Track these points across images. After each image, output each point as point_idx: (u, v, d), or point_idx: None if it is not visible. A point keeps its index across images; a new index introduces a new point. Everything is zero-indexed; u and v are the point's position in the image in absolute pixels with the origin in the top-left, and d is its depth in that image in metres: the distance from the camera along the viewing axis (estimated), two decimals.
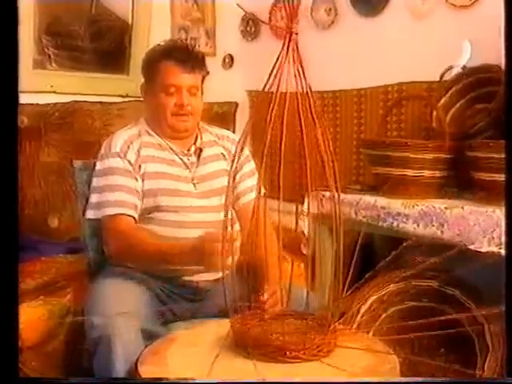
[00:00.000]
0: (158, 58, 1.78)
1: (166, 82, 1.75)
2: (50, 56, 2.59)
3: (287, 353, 1.24)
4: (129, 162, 1.74)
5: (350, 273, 1.30)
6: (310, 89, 1.21)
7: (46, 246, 2.26)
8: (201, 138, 1.86)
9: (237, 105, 3.11)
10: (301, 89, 1.20)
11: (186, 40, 3.04)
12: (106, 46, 2.78)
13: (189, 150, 1.82)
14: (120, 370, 1.42)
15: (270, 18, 3.02)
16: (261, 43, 3.11)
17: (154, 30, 2.85)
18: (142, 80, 1.85)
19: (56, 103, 2.48)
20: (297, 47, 1.20)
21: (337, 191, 1.25)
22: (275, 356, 1.24)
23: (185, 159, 1.81)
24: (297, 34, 1.20)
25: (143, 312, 1.58)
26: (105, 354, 1.45)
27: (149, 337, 1.49)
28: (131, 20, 2.82)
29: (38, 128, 2.40)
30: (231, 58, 3.20)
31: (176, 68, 1.75)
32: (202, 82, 1.83)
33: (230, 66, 3.21)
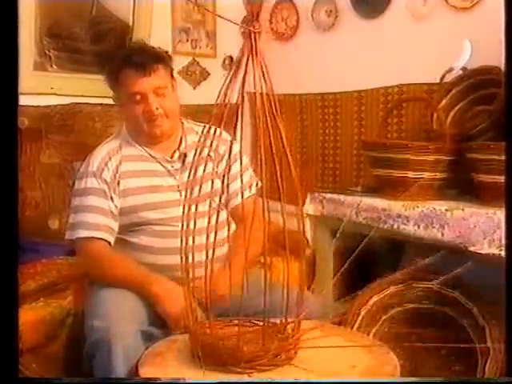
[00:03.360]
0: (117, 68, 1.71)
1: (130, 90, 1.68)
2: (50, 58, 2.59)
3: (242, 363, 1.21)
4: (104, 180, 1.70)
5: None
6: (272, 90, 1.16)
7: (46, 248, 2.25)
8: (185, 141, 1.79)
9: (237, 106, 3.10)
10: (261, 89, 1.16)
11: (187, 41, 3.05)
12: (107, 48, 2.77)
13: (172, 157, 1.77)
14: (120, 372, 1.42)
15: (270, 19, 3.03)
16: (259, 44, 3.10)
17: (154, 31, 2.85)
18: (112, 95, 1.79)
19: (57, 105, 2.49)
20: (256, 46, 1.16)
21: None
22: (228, 364, 1.21)
23: (168, 166, 1.76)
24: (259, 33, 1.16)
25: (143, 314, 1.58)
26: (105, 356, 1.45)
27: (149, 339, 1.49)
28: (132, 22, 2.82)
29: (39, 129, 2.40)
30: (231, 59, 3.20)
31: (136, 74, 1.67)
32: (172, 77, 1.76)
33: (231, 67, 3.21)
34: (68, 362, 1.83)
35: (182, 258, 1.23)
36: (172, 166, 1.76)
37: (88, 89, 2.60)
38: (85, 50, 2.71)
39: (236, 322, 1.34)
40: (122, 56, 1.75)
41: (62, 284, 1.99)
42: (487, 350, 1.82)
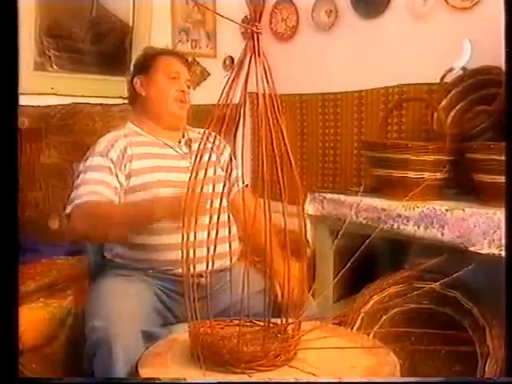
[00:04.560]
0: (156, 54, 1.89)
1: (169, 68, 1.85)
2: (50, 58, 2.59)
3: (242, 363, 1.20)
4: (110, 159, 1.71)
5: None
6: (274, 90, 1.16)
7: (46, 248, 2.25)
8: (187, 134, 1.88)
9: (239, 107, 3.10)
10: (263, 90, 1.16)
11: (187, 41, 3.06)
12: (107, 48, 2.77)
13: (179, 142, 1.85)
14: (120, 372, 1.42)
15: (270, 19, 3.04)
16: (261, 45, 3.11)
17: (154, 31, 2.85)
18: (136, 77, 1.86)
19: (57, 105, 2.49)
20: (258, 46, 1.16)
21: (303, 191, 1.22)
22: (228, 364, 1.20)
23: (177, 149, 1.83)
24: (260, 34, 1.16)
25: (143, 313, 1.58)
26: (105, 356, 1.44)
27: (149, 338, 1.49)
28: (132, 22, 2.82)
29: (39, 130, 2.40)
30: (232, 59, 3.20)
31: (175, 59, 1.88)
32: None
33: (231, 67, 3.21)
34: (68, 362, 1.83)
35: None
36: (181, 149, 1.84)
37: (88, 89, 2.61)
38: (85, 50, 2.71)
39: (236, 322, 1.33)
40: (161, 48, 1.95)
41: (62, 284, 1.99)
42: (487, 350, 1.83)
